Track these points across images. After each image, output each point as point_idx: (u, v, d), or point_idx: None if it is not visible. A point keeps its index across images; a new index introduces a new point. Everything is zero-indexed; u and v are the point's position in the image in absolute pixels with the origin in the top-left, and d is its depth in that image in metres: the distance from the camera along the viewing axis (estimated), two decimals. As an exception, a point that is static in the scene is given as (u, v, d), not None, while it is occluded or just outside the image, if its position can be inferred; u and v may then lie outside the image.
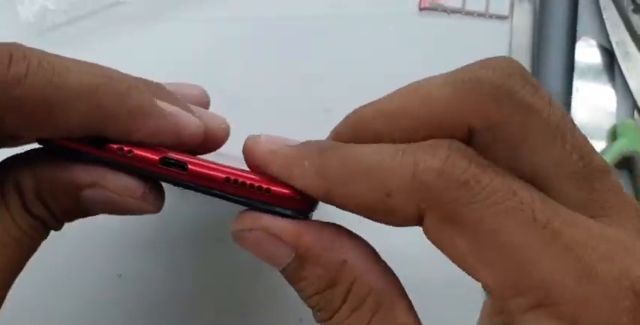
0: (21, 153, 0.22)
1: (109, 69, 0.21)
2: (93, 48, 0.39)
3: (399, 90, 0.21)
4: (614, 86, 0.41)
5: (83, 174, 0.21)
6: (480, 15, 0.42)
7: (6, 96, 0.18)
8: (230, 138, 0.25)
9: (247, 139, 0.22)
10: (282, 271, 0.21)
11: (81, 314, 0.35)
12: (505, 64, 0.20)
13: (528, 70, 0.40)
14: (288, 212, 0.21)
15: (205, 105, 0.28)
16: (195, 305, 0.36)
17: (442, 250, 0.19)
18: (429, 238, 0.19)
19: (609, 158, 0.38)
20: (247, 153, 0.22)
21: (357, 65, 0.40)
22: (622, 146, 0.38)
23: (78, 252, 0.35)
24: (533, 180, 0.20)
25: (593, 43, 0.42)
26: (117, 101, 0.20)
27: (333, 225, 0.21)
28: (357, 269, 0.21)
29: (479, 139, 0.20)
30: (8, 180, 0.21)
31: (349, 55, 0.40)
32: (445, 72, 0.21)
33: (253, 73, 0.39)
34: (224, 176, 0.21)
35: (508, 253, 0.18)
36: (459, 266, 0.19)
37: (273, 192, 0.21)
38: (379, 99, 0.21)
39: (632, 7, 0.42)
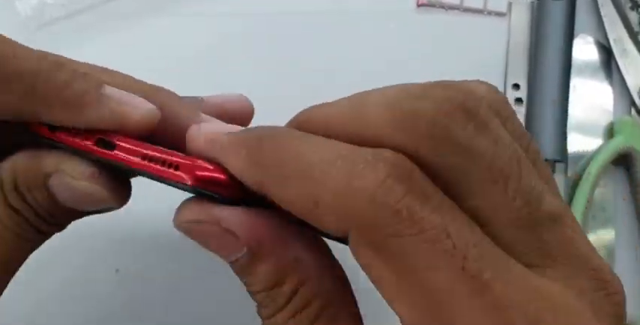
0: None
1: (59, 57, 0.20)
2: (91, 43, 0.39)
3: (350, 96, 0.19)
4: (611, 83, 0.41)
5: (48, 159, 0.21)
6: (478, 11, 0.43)
7: None
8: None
9: (190, 128, 0.21)
10: (231, 264, 0.20)
11: (78, 309, 0.35)
12: (450, 94, 0.18)
13: (524, 68, 0.41)
14: (216, 196, 0.20)
15: (248, 114, 0.27)
16: (194, 299, 0.36)
17: (365, 272, 0.18)
18: (354, 257, 0.18)
19: (606, 155, 0.38)
20: (187, 141, 0.20)
21: (358, 60, 0.40)
22: (619, 143, 0.38)
23: (75, 246, 0.35)
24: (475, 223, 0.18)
25: (591, 40, 0.42)
26: (54, 89, 0.20)
27: (287, 216, 0.19)
28: (306, 270, 0.19)
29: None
30: None
31: (350, 50, 0.40)
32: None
33: (254, 68, 0.39)
34: (141, 155, 0.20)
35: (431, 296, 0.16)
36: (377, 290, 0.18)
37: (182, 168, 0.19)
38: (326, 103, 0.20)
39: (629, 4, 0.42)
